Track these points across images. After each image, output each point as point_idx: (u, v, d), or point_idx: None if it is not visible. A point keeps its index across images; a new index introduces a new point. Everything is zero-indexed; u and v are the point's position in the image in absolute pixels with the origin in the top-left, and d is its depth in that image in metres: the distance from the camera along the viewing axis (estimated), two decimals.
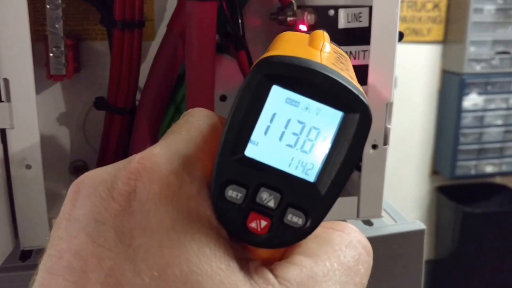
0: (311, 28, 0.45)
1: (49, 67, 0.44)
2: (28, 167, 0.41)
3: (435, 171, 1.89)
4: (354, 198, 0.47)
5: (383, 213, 0.54)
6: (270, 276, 0.19)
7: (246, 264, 0.19)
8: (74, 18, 0.49)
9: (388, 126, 0.45)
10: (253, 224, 0.20)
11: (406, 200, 1.87)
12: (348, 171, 0.20)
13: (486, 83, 1.73)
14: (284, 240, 0.20)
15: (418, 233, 0.50)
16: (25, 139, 0.40)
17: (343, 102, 0.19)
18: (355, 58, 0.45)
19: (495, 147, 1.81)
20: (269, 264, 0.20)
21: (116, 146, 0.48)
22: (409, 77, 1.71)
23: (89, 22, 0.49)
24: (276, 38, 0.25)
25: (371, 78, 0.43)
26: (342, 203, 0.47)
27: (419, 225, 0.51)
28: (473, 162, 1.79)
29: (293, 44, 0.22)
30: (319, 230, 0.20)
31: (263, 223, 0.20)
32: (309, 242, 0.21)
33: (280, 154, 0.20)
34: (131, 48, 0.44)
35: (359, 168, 0.46)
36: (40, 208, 0.42)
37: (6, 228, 0.43)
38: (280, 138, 0.20)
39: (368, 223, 0.52)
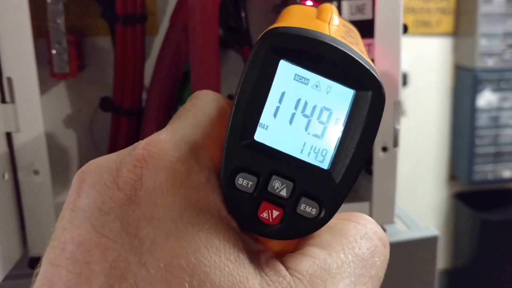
0: None
1: (52, 65, 0.44)
2: (36, 172, 0.42)
3: (452, 176, 1.87)
4: (366, 204, 0.47)
5: (396, 219, 0.54)
6: (281, 268, 0.19)
7: (256, 256, 0.19)
8: (75, 12, 0.49)
9: (397, 127, 0.45)
10: (264, 214, 0.19)
11: (422, 207, 1.85)
12: (363, 156, 0.19)
13: (499, 79, 1.68)
14: (296, 231, 0.20)
15: (432, 240, 0.50)
16: (31, 143, 0.41)
17: (354, 79, 0.19)
18: None
19: (511, 151, 1.77)
20: (281, 256, 0.19)
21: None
22: (421, 72, 1.68)
23: (91, 17, 0.49)
24: (282, 12, 0.24)
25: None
26: (354, 209, 0.47)
27: (433, 231, 0.51)
28: (490, 167, 1.76)
29: (300, 17, 0.22)
30: (333, 221, 0.20)
31: (275, 213, 0.19)
32: (323, 233, 0.20)
33: (292, 139, 0.19)
34: (135, 44, 0.45)
35: (370, 172, 0.46)
36: (48, 214, 0.43)
37: (14, 235, 0.43)
38: (291, 121, 0.19)
39: None
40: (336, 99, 0.19)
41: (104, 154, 0.54)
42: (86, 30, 0.50)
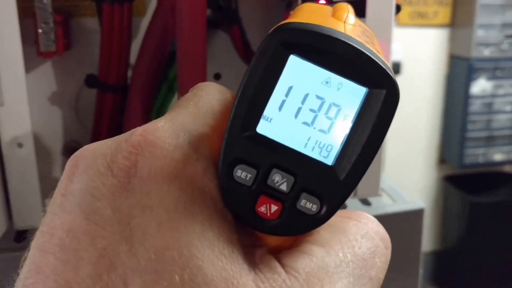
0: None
1: (38, 44, 0.45)
2: (20, 145, 0.42)
3: (442, 160, 1.90)
4: None
5: (382, 193, 0.55)
6: (276, 264, 0.18)
7: (251, 252, 0.18)
8: None
9: None
10: (262, 209, 0.19)
11: (412, 189, 1.88)
12: (371, 155, 0.19)
13: (495, 68, 1.72)
14: (295, 228, 0.19)
15: (418, 213, 0.51)
16: (15, 116, 0.41)
17: (368, 77, 0.18)
18: None
19: (504, 135, 1.81)
20: (277, 253, 0.19)
21: (109, 125, 0.49)
22: (415, 62, 1.71)
23: None
24: (296, 9, 0.23)
25: None
26: None
27: (419, 204, 0.52)
28: (481, 150, 1.79)
29: (314, 14, 0.21)
30: (333, 218, 0.19)
31: (274, 207, 0.19)
32: (321, 230, 0.19)
33: (296, 133, 0.19)
34: (121, 23, 0.45)
35: None
36: (33, 187, 0.43)
37: None
38: (296, 115, 0.19)
39: (367, 203, 0.52)
40: (347, 96, 0.18)
41: (88, 130, 0.54)
42: (73, 10, 0.50)
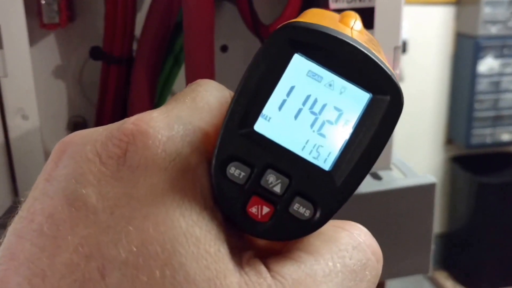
0: None
1: (41, 16, 0.44)
2: (25, 117, 0.42)
3: (449, 140, 1.89)
4: None
5: (393, 167, 0.54)
6: (263, 269, 0.17)
7: (238, 254, 0.18)
8: None
9: (396, 72, 0.45)
10: (253, 209, 0.18)
11: (419, 170, 1.87)
12: (370, 162, 0.18)
13: (503, 46, 1.71)
14: (285, 233, 0.19)
15: (429, 187, 0.51)
16: (20, 87, 0.41)
17: (372, 82, 0.18)
18: (360, 0, 0.45)
19: (511, 114, 1.80)
20: (265, 258, 0.18)
21: (114, 98, 0.48)
22: (421, 41, 1.69)
23: None
24: (304, 12, 0.23)
25: (378, 19, 0.43)
26: None
27: (430, 178, 0.51)
28: (488, 130, 1.78)
29: (322, 17, 0.21)
30: (325, 227, 0.19)
31: (265, 209, 0.18)
32: (312, 238, 0.19)
33: (294, 135, 0.18)
34: None
35: None
36: (38, 161, 0.43)
37: (4, 183, 0.43)
38: (296, 116, 0.18)
39: (377, 177, 0.52)
40: (349, 101, 0.18)
41: (93, 105, 0.53)
42: None
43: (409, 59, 1.65)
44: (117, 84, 0.48)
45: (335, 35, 0.18)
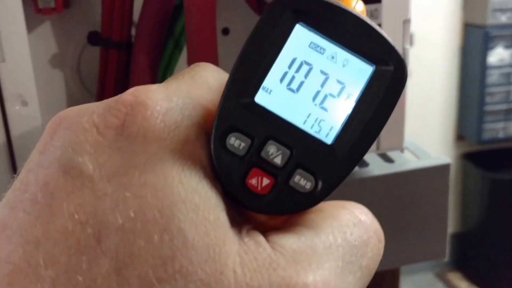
0: None
1: (36, 0, 0.44)
2: (24, 103, 0.41)
3: (460, 136, 1.87)
4: None
5: (405, 151, 0.53)
6: (262, 239, 0.17)
7: (237, 225, 0.18)
8: None
9: (406, 46, 0.44)
10: (253, 181, 0.18)
11: None
12: (372, 136, 0.18)
13: None
14: (286, 206, 0.18)
15: (443, 168, 0.49)
16: (18, 73, 0.40)
17: (375, 54, 0.18)
18: None
19: None
20: (264, 231, 0.18)
21: (114, 85, 0.47)
22: (427, 34, 1.67)
23: None
24: None
25: None
26: None
27: (444, 159, 0.50)
28: (501, 124, 1.76)
29: None
30: (325, 205, 0.19)
31: (265, 181, 0.18)
32: (312, 214, 0.19)
33: (296, 108, 0.18)
34: None
35: None
36: None
37: (4, 168, 0.43)
38: (298, 89, 0.18)
39: (389, 160, 0.51)
40: (352, 74, 0.18)
41: (93, 94, 0.53)
42: None
43: (416, 53, 1.64)
44: (117, 70, 0.47)
45: (339, 5, 0.18)
